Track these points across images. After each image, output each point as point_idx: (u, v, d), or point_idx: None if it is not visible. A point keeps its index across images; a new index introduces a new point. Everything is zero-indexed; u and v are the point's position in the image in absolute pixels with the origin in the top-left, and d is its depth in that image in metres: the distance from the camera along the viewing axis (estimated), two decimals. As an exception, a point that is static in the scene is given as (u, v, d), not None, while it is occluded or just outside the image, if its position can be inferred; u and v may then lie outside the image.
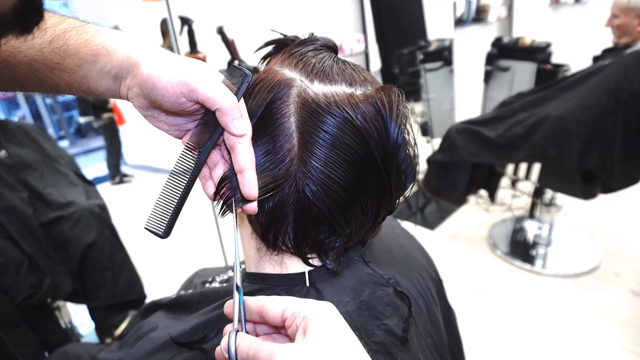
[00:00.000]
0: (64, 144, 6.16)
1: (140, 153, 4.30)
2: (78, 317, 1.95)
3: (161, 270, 2.36)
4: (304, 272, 0.47)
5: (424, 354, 0.52)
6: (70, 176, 1.80)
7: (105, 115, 3.85)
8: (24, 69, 0.40)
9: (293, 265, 0.48)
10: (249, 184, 0.40)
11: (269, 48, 0.52)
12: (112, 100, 3.40)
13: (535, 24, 3.80)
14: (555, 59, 2.87)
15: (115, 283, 1.71)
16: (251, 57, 1.69)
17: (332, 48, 0.49)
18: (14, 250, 1.52)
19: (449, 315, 0.68)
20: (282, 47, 0.51)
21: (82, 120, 4.30)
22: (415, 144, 0.49)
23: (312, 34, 0.51)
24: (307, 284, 0.47)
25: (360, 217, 0.46)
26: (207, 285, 0.74)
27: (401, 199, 0.50)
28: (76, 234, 1.63)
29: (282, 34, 0.52)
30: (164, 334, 0.48)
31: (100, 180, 4.51)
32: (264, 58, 0.53)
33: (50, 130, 6.18)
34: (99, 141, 5.19)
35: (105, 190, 4.19)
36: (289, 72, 0.46)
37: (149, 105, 0.42)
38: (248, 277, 0.51)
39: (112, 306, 1.69)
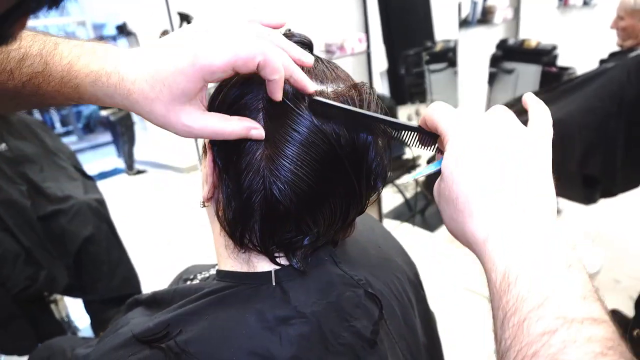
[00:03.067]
0: (71, 139, 6.22)
1: (149, 149, 4.33)
2: (76, 311, 1.97)
3: (159, 266, 2.37)
4: (270, 271, 0.47)
5: (395, 357, 0.52)
6: (69, 170, 1.81)
7: (124, 108, 3.91)
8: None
9: (260, 263, 0.47)
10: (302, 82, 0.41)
11: None
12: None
13: (542, 26, 3.76)
14: (562, 62, 2.84)
15: (111, 277, 1.72)
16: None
17: (308, 45, 0.49)
18: (12, 243, 1.53)
19: (427, 318, 0.67)
20: None
21: (103, 112, 4.39)
22: (388, 143, 0.48)
23: (289, 30, 0.50)
24: (273, 283, 0.46)
25: (329, 217, 0.46)
26: (188, 282, 0.74)
27: (373, 198, 0.50)
28: (73, 228, 1.64)
29: None
30: (129, 330, 0.48)
31: (110, 174, 4.55)
32: None
33: (57, 125, 6.24)
34: (107, 136, 5.24)
35: (122, 182, 4.25)
36: None
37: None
38: (218, 274, 0.51)
39: (108, 300, 1.70)
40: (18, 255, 1.53)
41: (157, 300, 0.62)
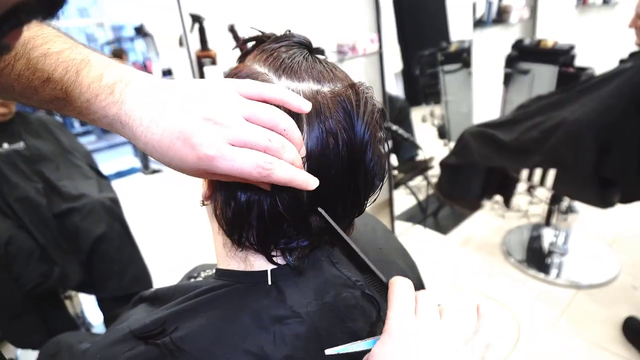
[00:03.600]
0: (90, 138, 6.32)
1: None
2: (90, 307, 2.00)
3: (172, 265, 2.39)
4: (267, 270, 0.47)
5: None
6: (84, 169, 1.84)
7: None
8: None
9: (257, 262, 0.47)
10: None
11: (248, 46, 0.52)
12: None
13: (560, 26, 3.69)
14: (580, 62, 2.77)
15: (122, 275, 1.74)
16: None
17: (306, 45, 0.49)
18: (27, 240, 1.57)
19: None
20: (259, 44, 0.51)
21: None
22: (386, 141, 0.48)
23: (289, 31, 0.50)
24: (269, 282, 0.46)
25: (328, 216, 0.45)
26: (192, 280, 0.75)
27: (372, 198, 0.49)
28: (87, 226, 1.67)
29: (260, 31, 0.52)
30: (127, 325, 0.48)
31: (126, 173, 4.61)
32: (242, 56, 0.53)
33: (77, 124, 6.36)
34: (124, 135, 5.31)
35: (138, 181, 4.30)
36: (258, 67, 0.45)
37: None
38: (216, 272, 0.51)
39: (119, 298, 1.73)
40: (33, 252, 1.56)
41: (158, 297, 0.62)
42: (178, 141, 0.37)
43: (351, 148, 0.43)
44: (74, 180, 1.75)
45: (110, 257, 1.70)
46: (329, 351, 0.41)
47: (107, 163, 4.56)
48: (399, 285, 0.41)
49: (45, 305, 1.66)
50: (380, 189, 0.48)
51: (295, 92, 0.42)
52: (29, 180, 1.65)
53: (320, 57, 0.49)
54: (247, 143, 0.37)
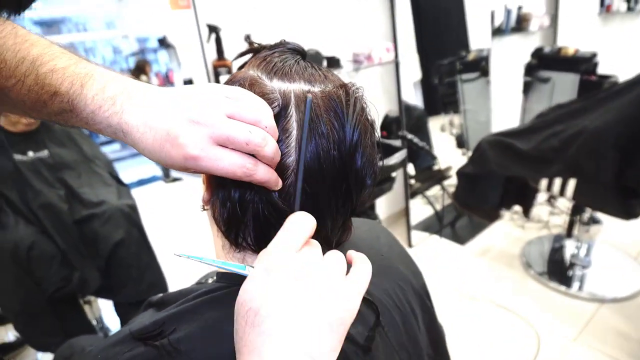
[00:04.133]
0: (114, 147, 6.49)
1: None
2: (109, 313, 2.03)
3: (189, 271, 2.42)
4: None
5: (392, 366, 0.51)
6: (104, 177, 1.89)
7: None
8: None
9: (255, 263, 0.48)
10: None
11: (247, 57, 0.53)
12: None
13: (582, 34, 3.62)
14: (603, 69, 2.72)
15: (139, 281, 1.77)
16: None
17: (299, 52, 0.49)
18: (49, 245, 1.61)
19: (434, 330, 0.65)
20: (256, 54, 0.52)
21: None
22: (379, 145, 0.48)
23: (283, 40, 0.51)
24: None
25: (322, 216, 0.45)
26: (200, 284, 0.76)
27: (364, 197, 0.49)
28: (106, 232, 1.71)
29: (257, 43, 0.53)
30: (128, 327, 0.49)
31: (148, 181, 4.71)
32: (241, 66, 0.54)
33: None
34: (147, 145, 5.44)
35: (158, 189, 4.38)
36: (252, 72, 0.46)
37: None
38: (216, 275, 0.52)
39: (135, 304, 1.75)
40: (54, 257, 1.61)
41: (164, 302, 0.63)
42: (167, 143, 0.39)
43: (341, 146, 0.43)
44: (94, 188, 1.80)
45: (127, 262, 1.73)
46: (177, 253, 0.42)
47: (129, 171, 4.67)
48: (294, 218, 0.38)
49: (65, 310, 1.70)
50: (372, 187, 0.48)
51: (287, 92, 0.43)
52: (52, 187, 1.70)
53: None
54: (230, 137, 0.38)
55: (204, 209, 0.51)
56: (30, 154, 1.69)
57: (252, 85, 0.44)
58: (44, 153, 1.73)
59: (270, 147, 0.40)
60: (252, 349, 0.32)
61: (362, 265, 0.38)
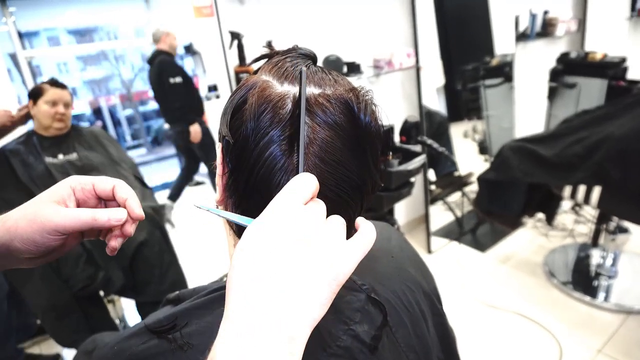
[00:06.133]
0: (141, 151, 6.67)
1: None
2: (132, 312, 2.09)
3: (209, 272, 2.46)
4: None
5: (399, 367, 0.51)
6: (130, 179, 1.95)
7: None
8: None
9: None
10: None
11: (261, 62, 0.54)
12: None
13: (611, 38, 3.53)
14: (633, 75, 2.65)
15: (162, 281, 1.81)
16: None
17: (310, 57, 0.50)
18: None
19: (445, 333, 0.65)
20: (270, 59, 0.53)
21: (167, 126, 4.68)
22: (391, 147, 0.49)
23: (296, 46, 0.52)
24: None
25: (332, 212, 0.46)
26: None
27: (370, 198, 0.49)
28: (130, 233, 1.76)
29: (271, 48, 0.55)
30: (143, 321, 0.51)
31: (172, 184, 4.82)
32: (255, 72, 0.55)
33: (128, 139, 6.73)
34: (172, 149, 5.58)
35: (183, 191, 4.48)
36: (263, 77, 0.48)
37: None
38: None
39: (158, 302, 1.79)
40: (80, 256, 1.67)
41: (180, 298, 0.65)
42: None
43: (355, 131, 0.44)
44: (120, 190, 1.86)
45: (150, 263, 1.78)
46: (197, 204, 0.43)
47: (155, 174, 4.79)
48: (297, 178, 0.37)
49: (90, 308, 1.75)
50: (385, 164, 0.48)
51: (296, 95, 0.44)
52: (80, 189, 1.76)
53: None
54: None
55: (208, 210, 0.53)
56: (61, 156, 1.76)
57: (264, 90, 0.45)
58: (73, 156, 1.80)
59: None
60: (242, 294, 0.30)
61: (365, 232, 0.37)
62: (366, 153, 0.45)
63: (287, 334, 0.29)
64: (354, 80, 2.09)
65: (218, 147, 0.50)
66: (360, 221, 0.39)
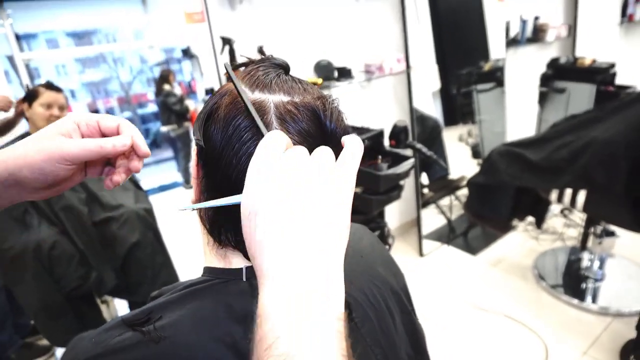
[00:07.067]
0: (139, 153, 6.69)
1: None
2: (125, 312, 2.11)
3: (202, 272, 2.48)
4: (242, 268, 0.51)
5: (365, 360, 0.54)
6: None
7: (185, 124, 4.17)
8: None
9: (235, 259, 0.52)
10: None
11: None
12: (191, 109, 3.70)
13: (602, 44, 3.57)
14: (623, 80, 2.68)
15: (154, 282, 1.84)
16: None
17: (282, 66, 0.53)
18: (68, 245, 1.70)
19: (414, 330, 0.68)
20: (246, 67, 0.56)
21: (163, 129, 4.69)
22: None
23: (270, 56, 0.55)
24: (244, 279, 0.51)
25: None
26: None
27: None
28: (123, 234, 1.78)
29: (248, 57, 0.57)
30: (122, 315, 0.54)
31: (169, 187, 4.84)
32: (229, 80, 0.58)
33: (126, 141, 6.76)
34: (171, 152, 5.59)
35: (178, 194, 4.51)
36: None
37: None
38: (203, 270, 0.56)
39: (149, 303, 1.82)
40: (73, 256, 1.69)
41: (161, 294, 0.68)
42: None
43: (322, 137, 0.47)
44: (113, 191, 1.89)
45: (143, 263, 1.81)
46: (180, 207, 0.45)
47: (152, 177, 4.83)
48: (266, 135, 0.38)
49: (83, 309, 1.78)
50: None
51: (265, 102, 0.47)
52: (73, 191, 1.79)
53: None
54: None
55: (194, 210, 0.56)
56: (55, 158, 1.78)
57: (235, 97, 0.48)
58: (68, 158, 1.82)
59: None
60: (262, 248, 0.33)
61: (349, 143, 0.38)
62: None
63: (325, 267, 0.33)
64: (346, 85, 2.12)
65: (193, 150, 0.53)
66: (345, 138, 0.40)
